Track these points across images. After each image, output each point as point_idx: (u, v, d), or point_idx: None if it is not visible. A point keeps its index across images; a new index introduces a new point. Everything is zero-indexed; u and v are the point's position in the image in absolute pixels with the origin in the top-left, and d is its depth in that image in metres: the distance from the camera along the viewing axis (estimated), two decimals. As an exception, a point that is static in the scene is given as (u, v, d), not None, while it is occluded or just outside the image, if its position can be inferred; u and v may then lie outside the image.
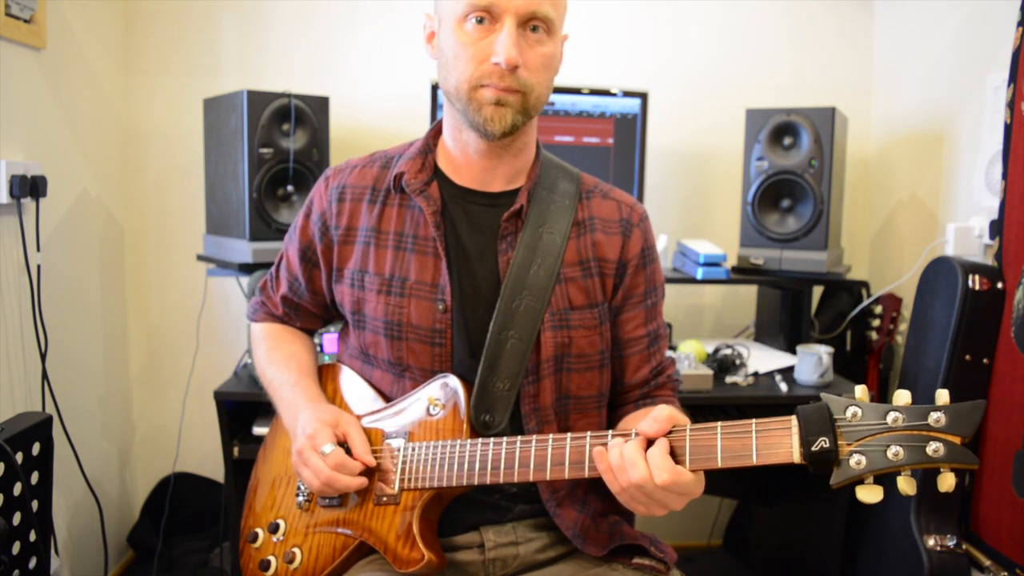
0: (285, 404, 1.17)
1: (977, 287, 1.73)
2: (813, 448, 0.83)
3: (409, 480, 1.06)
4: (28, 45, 1.83)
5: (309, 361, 1.24)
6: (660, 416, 0.92)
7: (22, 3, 1.78)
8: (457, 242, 1.12)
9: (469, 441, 1.03)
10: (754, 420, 0.88)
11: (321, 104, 1.99)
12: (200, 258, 2.15)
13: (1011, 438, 1.67)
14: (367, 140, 2.40)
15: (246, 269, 1.92)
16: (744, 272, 2.16)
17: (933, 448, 0.80)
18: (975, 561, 1.73)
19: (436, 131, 1.18)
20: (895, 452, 0.81)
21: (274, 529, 1.15)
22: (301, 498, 1.14)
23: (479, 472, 1.01)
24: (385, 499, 1.07)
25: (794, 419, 0.86)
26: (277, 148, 1.91)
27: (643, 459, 0.89)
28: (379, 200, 1.14)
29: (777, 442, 0.85)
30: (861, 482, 0.83)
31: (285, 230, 1.94)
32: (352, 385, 1.20)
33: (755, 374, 1.98)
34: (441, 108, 2.11)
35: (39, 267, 1.85)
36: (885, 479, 0.83)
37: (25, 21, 1.80)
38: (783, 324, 2.23)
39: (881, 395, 2.23)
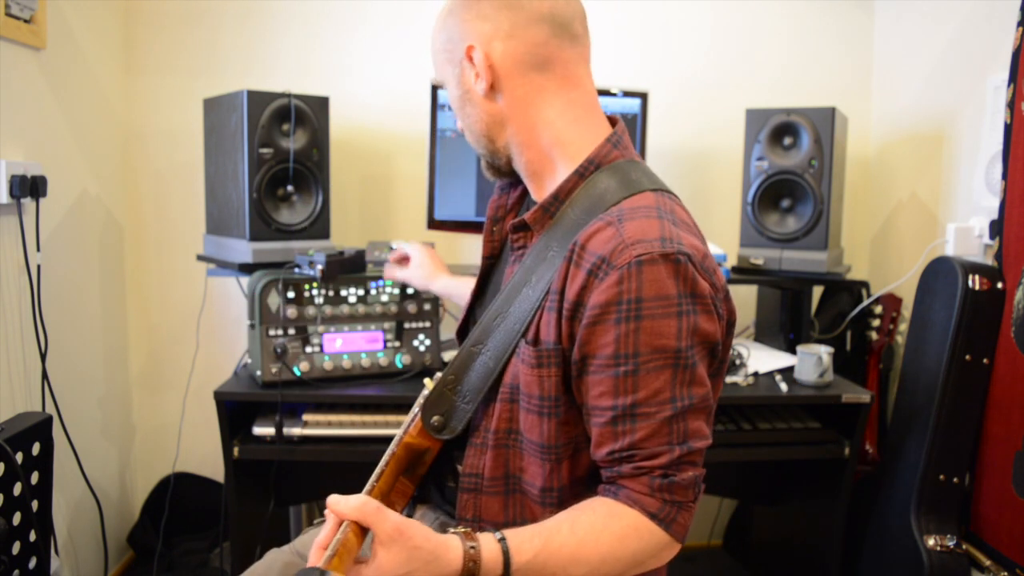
0: None
1: (977, 287, 1.73)
2: None
3: (390, 452, 1.13)
4: (28, 45, 1.83)
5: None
6: (351, 504, 0.83)
7: (22, 3, 1.78)
8: (503, 244, 1.16)
9: (391, 446, 1.07)
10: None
11: (321, 104, 1.99)
12: (200, 258, 2.15)
13: (1011, 438, 1.67)
14: (367, 140, 2.40)
15: (246, 269, 1.92)
16: (744, 272, 2.16)
17: None
18: (975, 561, 1.73)
19: None
20: None
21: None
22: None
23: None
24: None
25: None
26: (277, 148, 1.91)
27: (315, 543, 0.84)
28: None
29: None
30: None
31: (285, 230, 1.95)
32: None
33: (755, 374, 1.98)
34: (442, 108, 2.13)
35: (39, 267, 1.85)
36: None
37: (25, 21, 1.80)
38: (783, 324, 2.23)
39: (881, 395, 2.23)
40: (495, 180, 1.13)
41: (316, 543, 0.85)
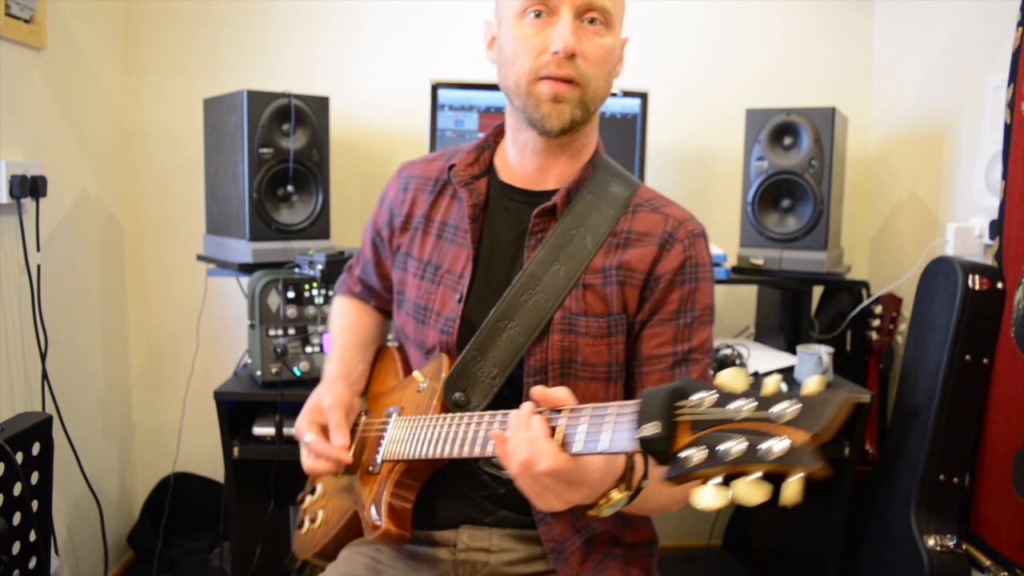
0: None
1: (977, 287, 1.73)
2: (642, 434, 0.71)
3: (389, 452, 1.11)
4: (28, 45, 1.83)
5: (362, 336, 1.31)
6: (556, 392, 0.87)
7: (22, 3, 1.78)
8: (491, 237, 1.14)
9: (438, 416, 1.05)
10: (620, 403, 0.79)
11: (321, 104, 1.99)
12: (200, 258, 2.15)
13: (1011, 438, 1.67)
14: (367, 140, 2.40)
15: (246, 269, 1.93)
16: (744, 272, 2.16)
17: (765, 448, 0.62)
18: (975, 561, 1.73)
19: (499, 130, 1.20)
20: (725, 449, 0.64)
21: (313, 491, 1.25)
22: None
23: (432, 446, 1.03)
24: (371, 468, 1.13)
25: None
26: (277, 148, 1.91)
27: (531, 441, 0.83)
28: (436, 191, 1.20)
29: (625, 426, 0.77)
30: (706, 482, 0.65)
31: (285, 230, 1.95)
32: (390, 364, 1.28)
33: (755, 374, 1.98)
34: (442, 109, 2.13)
35: (39, 267, 1.85)
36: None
37: (25, 21, 1.80)
38: (783, 324, 2.23)
39: (881, 395, 2.23)
40: (554, 136, 1.07)
41: (523, 426, 0.85)
